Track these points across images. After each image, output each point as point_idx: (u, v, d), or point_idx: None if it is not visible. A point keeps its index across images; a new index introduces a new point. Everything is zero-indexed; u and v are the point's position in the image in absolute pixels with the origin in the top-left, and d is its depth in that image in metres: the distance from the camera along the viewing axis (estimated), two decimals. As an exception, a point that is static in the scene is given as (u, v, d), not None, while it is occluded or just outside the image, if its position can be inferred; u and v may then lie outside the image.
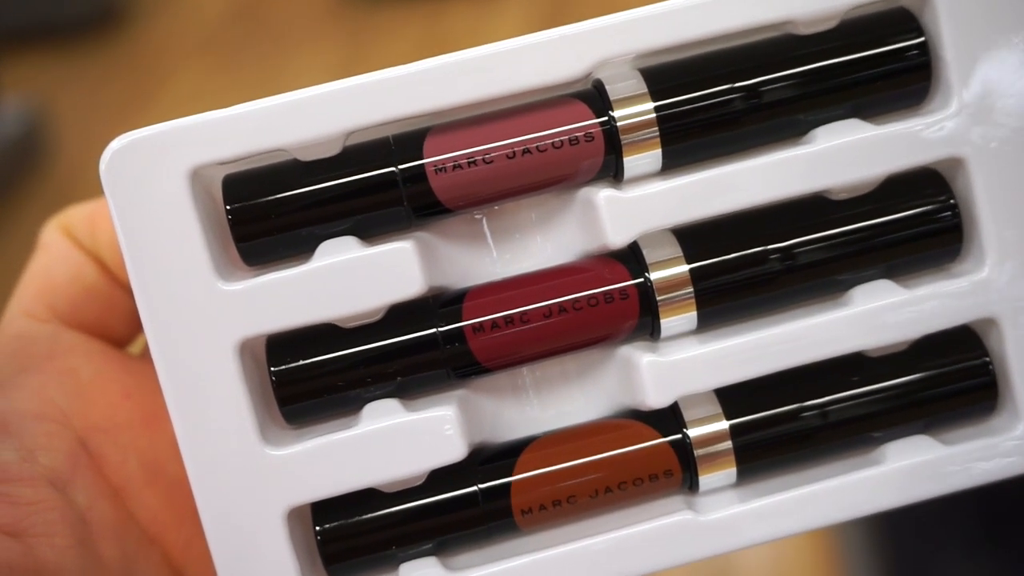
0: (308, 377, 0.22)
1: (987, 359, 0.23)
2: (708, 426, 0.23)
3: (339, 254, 0.22)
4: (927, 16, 0.23)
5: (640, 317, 0.23)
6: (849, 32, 0.23)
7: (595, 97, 0.23)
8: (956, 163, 0.23)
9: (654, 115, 0.22)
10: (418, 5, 1.28)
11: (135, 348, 0.26)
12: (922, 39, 0.23)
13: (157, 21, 1.34)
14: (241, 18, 1.31)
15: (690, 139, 0.23)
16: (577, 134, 0.22)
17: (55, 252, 0.25)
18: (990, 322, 0.23)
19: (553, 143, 0.22)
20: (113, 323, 0.25)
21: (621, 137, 0.22)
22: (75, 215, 0.25)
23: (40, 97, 1.20)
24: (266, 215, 0.22)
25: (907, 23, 0.23)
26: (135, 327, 0.25)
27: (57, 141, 1.16)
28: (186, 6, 1.35)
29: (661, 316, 0.23)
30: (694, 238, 0.23)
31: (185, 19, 1.34)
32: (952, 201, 0.23)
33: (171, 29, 1.33)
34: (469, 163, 0.22)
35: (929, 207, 0.23)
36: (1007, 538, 0.53)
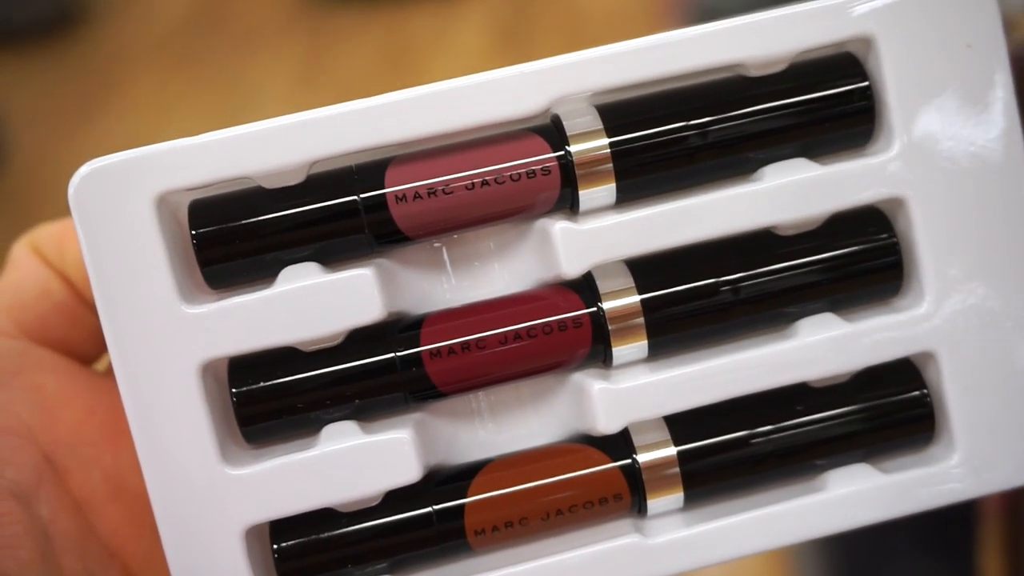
0: (269, 398, 0.23)
1: (925, 391, 0.24)
2: (657, 452, 0.24)
3: (301, 280, 0.23)
4: (871, 62, 0.23)
5: (593, 345, 0.24)
6: (797, 75, 0.24)
7: (553, 132, 0.23)
8: (898, 203, 0.24)
9: (609, 151, 0.23)
10: (379, 10, 1.26)
11: (100, 365, 0.27)
12: (866, 83, 0.23)
13: (115, 23, 1.32)
14: (200, 21, 1.29)
15: (643, 174, 0.23)
16: (534, 167, 0.23)
17: (24, 269, 0.26)
18: (928, 355, 0.24)
19: (511, 176, 0.23)
20: (79, 340, 0.26)
21: (577, 171, 0.23)
22: (44, 234, 0.26)
23: (-4, 99, 1.19)
24: (230, 240, 0.23)
25: (852, 68, 0.24)
26: (101, 345, 0.26)
27: (13, 143, 1.14)
28: (144, 9, 1.33)
29: (613, 344, 0.23)
30: (646, 270, 0.24)
31: (143, 22, 1.32)
32: (894, 239, 0.24)
33: (129, 32, 1.31)
34: (429, 193, 0.23)
35: (872, 244, 0.24)
36: (957, 542, 0.54)
